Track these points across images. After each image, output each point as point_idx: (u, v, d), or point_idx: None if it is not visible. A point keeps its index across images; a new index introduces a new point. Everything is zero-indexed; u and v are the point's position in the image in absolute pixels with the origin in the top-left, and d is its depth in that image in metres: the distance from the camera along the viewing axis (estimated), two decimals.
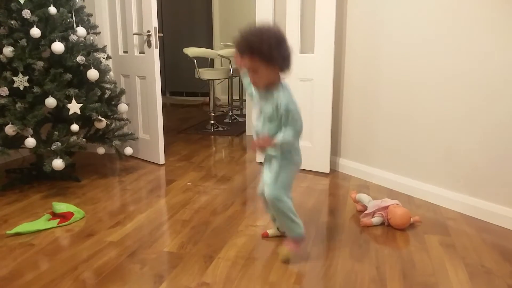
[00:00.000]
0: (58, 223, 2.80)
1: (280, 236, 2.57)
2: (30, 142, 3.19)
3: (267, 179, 2.31)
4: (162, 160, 4.22)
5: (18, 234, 2.65)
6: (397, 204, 2.83)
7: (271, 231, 2.63)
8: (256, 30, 2.09)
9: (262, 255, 2.40)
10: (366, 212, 2.86)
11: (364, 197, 3.01)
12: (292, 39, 3.83)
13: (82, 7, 3.60)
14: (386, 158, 3.55)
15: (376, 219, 2.79)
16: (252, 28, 2.10)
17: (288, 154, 2.28)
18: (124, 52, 4.41)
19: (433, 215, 2.99)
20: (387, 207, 2.80)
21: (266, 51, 2.04)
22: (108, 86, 3.73)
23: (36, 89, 3.19)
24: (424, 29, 3.12)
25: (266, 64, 2.07)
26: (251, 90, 2.34)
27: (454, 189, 3.08)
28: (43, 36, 3.23)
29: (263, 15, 3.95)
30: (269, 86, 2.18)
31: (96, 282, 2.14)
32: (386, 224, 2.78)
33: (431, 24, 3.08)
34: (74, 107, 3.29)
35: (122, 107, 3.83)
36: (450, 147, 3.06)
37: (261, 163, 4.21)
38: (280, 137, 2.16)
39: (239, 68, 2.22)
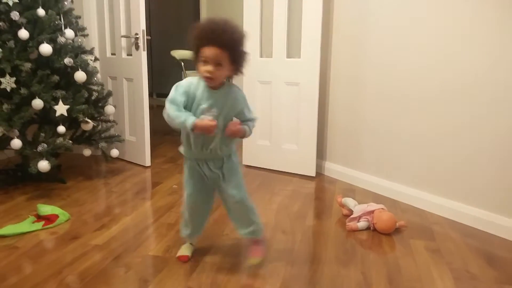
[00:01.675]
0: (42, 226, 2.77)
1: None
2: (16, 143, 3.16)
3: (231, 186, 2.19)
4: (148, 162, 4.21)
5: (1, 237, 2.62)
6: (382, 208, 2.85)
7: (189, 250, 2.42)
8: (229, 23, 1.97)
9: (248, 259, 2.40)
10: (352, 216, 2.87)
11: (350, 201, 3.02)
12: (279, 43, 3.87)
13: (71, 10, 3.59)
14: (372, 162, 3.57)
15: (362, 224, 2.81)
16: (223, 20, 1.97)
17: (235, 153, 2.27)
18: (112, 54, 4.40)
19: (419, 220, 3.01)
20: (373, 211, 2.82)
21: (239, 48, 1.99)
22: (95, 88, 3.72)
23: (23, 91, 3.16)
24: (411, 36, 3.15)
25: (231, 60, 1.97)
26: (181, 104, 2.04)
27: (440, 194, 3.10)
28: (31, 37, 3.22)
29: (250, 19, 3.97)
30: (221, 85, 2.06)
31: (80, 286, 2.12)
32: (371, 229, 2.80)
33: (418, 31, 3.11)
34: (61, 108, 3.27)
35: (109, 109, 3.82)
36: (435, 153, 3.09)
37: (249, 166, 4.21)
38: (248, 126, 2.14)
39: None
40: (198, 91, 2.04)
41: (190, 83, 2.06)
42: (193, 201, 2.29)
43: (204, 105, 2.03)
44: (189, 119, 1.97)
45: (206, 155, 2.15)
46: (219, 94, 2.05)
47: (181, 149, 2.25)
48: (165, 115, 2.04)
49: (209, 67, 1.94)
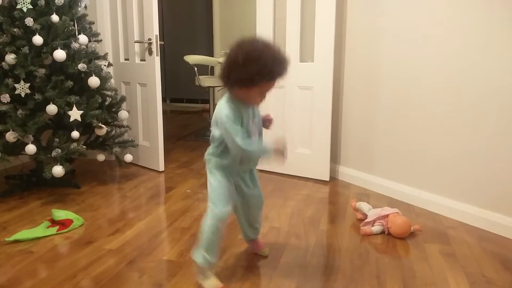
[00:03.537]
0: (57, 230, 2.79)
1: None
2: (31, 148, 3.20)
3: (258, 188, 2.31)
4: (162, 167, 4.22)
5: (17, 241, 2.64)
6: (397, 212, 2.83)
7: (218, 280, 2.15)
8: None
9: (262, 264, 2.39)
10: (366, 220, 2.85)
11: (364, 206, 3.01)
12: (292, 47, 3.85)
13: (84, 15, 3.62)
14: (386, 166, 3.55)
15: (376, 228, 2.79)
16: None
17: None
18: (125, 59, 4.42)
19: (433, 223, 2.98)
20: (387, 215, 2.80)
21: None
22: (109, 93, 3.74)
23: (37, 96, 3.20)
24: (424, 39, 3.13)
25: None
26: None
27: (454, 197, 3.07)
28: (45, 43, 3.25)
29: (263, 24, 3.97)
30: None
31: None
32: (386, 233, 2.78)
33: (431, 34, 3.08)
34: (75, 114, 3.29)
35: (123, 114, 3.84)
36: (450, 156, 3.06)
37: (262, 171, 4.21)
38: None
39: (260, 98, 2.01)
40: (242, 110, 1.99)
41: (234, 109, 1.95)
42: (225, 218, 2.09)
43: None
44: (267, 148, 2.08)
45: (250, 165, 2.24)
46: (251, 112, 2.06)
47: (217, 163, 2.10)
48: (236, 148, 1.96)
49: (264, 96, 1.99)
